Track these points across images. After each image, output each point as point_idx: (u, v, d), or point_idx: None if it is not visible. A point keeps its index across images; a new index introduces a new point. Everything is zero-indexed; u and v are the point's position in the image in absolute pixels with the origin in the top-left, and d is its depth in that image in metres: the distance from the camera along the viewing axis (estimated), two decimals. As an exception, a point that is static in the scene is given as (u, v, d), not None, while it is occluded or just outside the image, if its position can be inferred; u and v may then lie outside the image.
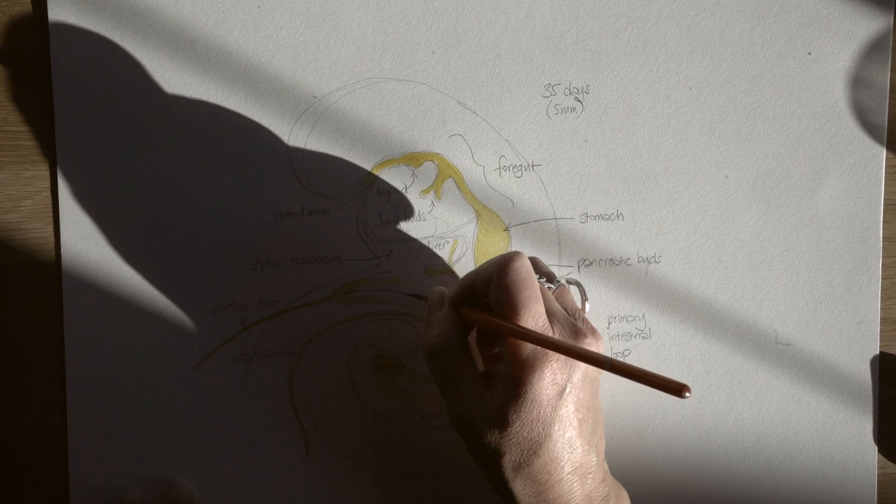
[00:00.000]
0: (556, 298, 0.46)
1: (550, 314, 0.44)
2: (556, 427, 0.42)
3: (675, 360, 0.51)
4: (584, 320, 0.45)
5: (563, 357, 0.42)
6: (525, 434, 0.42)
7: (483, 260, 0.51)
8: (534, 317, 0.42)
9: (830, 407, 0.52)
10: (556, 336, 0.43)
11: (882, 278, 0.51)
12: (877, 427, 0.52)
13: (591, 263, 0.51)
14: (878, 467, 0.52)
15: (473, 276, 0.45)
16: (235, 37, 0.50)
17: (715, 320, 0.51)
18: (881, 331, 0.52)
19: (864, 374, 0.52)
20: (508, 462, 0.42)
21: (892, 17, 0.50)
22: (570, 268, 0.51)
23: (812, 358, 0.52)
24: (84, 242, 0.50)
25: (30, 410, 0.51)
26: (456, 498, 0.52)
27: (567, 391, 0.42)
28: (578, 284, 0.50)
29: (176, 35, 0.50)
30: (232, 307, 0.51)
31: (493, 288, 0.43)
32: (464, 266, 0.51)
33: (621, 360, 0.40)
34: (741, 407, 0.52)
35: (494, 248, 0.51)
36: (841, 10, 0.51)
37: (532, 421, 0.42)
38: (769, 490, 0.52)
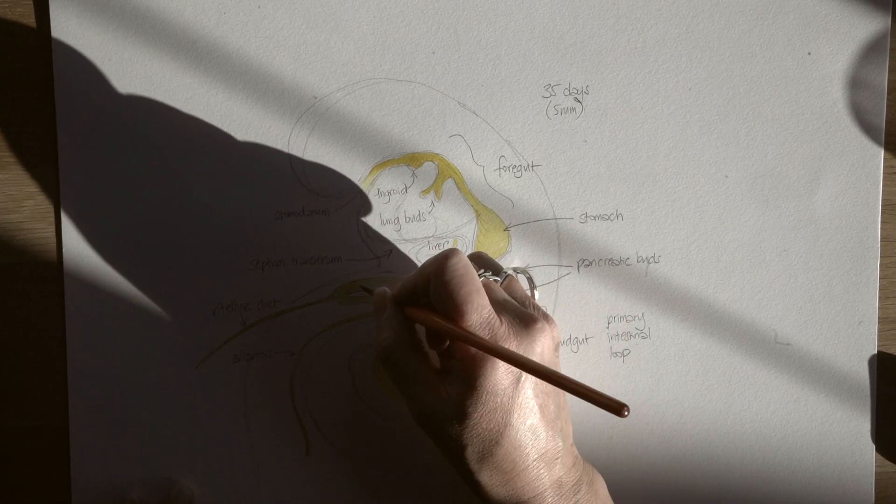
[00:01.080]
0: (506, 289, 0.46)
1: (497, 305, 0.43)
2: (516, 415, 0.42)
3: (675, 360, 0.52)
4: (535, 306, 0.45)
5: (515, 345, 0.42)
6: (484, 425, 0.42)
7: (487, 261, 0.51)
8: (477, 310, 0.42)
9: (829, 406, 0.52)
10: (505, 325, 0.42)
11: (880, 278, 0.52)
12: (874, 426, 0.52)
13: (591, 263, 0.51)
14: (876, 466, 0.52)
15: (414, 278, 0.45)
16: (236, 37, 0.50)
17: (714, 320, 0.52)
18: (879, 330, 0.52)
19: (863, 373, 0.52)
20: (472, 454, 0.43)
21: (890, 19, 0.51)
22: (570, 268, 0.51)
23: (810, 357, 0.52)
24: (85, 243, 0.50)
25: (31, 410, 0.51)
26: (456, 497, 0.52)
27: (523, 378, 0.42)
28: (525, 272, 0.50)
29: (177, 35, 0.50)
30: (232, 307, 0.51)
31: (432, 288, 0.43)
32: (464, 266, 0.51)
33: (568, 374, 0.40)
34: (740, 406, 0.52)
35: (494, 248, 0.51)
36: (839, 11, 0.51)
37: (490, 411, 0.42)
38: (767, 489, 0.52)
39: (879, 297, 0.52)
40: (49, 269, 0.51)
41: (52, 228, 0.51)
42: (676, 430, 0.52)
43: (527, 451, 0.43)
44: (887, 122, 0.51)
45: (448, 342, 0.47)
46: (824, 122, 0.51)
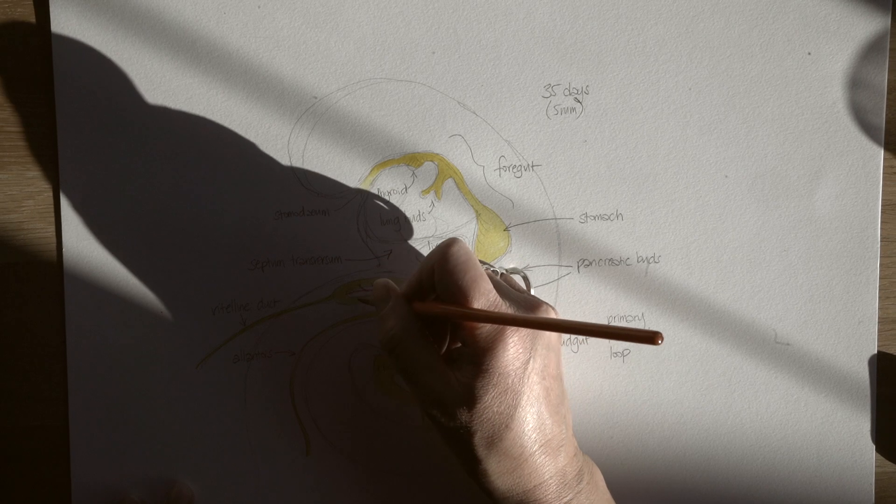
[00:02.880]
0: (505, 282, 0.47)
1: (500, 291, 0.44)
2: (525, 398, 0.42)
3: (675, 360, 0.52)
4: (533, 296, 0.45)
5: (521, 330, 0.42)
6: (495, 408, 0.42)
7: (483, 259, 0.51)
8: (484, 294, 0.42)
9: (829, 406, 0.52)
10: (511, 311, 0.43)
11: (880, 278, 0.52)
12: (874, 426, 0.52)
13: (591, 263, 0.51)
14: (876, 466, 0.52)
15: (418, 272, 0.45)
16: (236, 37, 0.50)
17: (714, 320, 0.52)
18: (879, 330, 0.52)
19: (863, 373, 0.52)
20: (480, 440, 0.42)
21: (890, 18, 0.51)
22: (570, 268, 0.51)
23: (810, 357, 0.52)
24: (85, 242, 0.50)
25: (30, 410, 0.51)
26: (456, 497, 0.52)
27: (531, 361, 0.42)
28: (520, 272, 0.50)
29: (177, 36, 0.50)
30: (232, 307, 0.51)
31: (437, 277, 0.43)
32: (464, 266, 0.51)
33: (588, 321, 0.40)
34: (740, 406, 0.52)
35: (494, 248, 0.51)
36: (839, 12, 0.51)
37: (500, 394, 0.42)
38: (767, 489, 0.52)
39: (879, 297, 0.52)
40: (49, 269, 0.51)
41: (52, 228, 0.51)
42: (676, 430, 0.52)
43: (534, 436, 0.43)
44: (887, 122, 0.51)
45: (447, 342, 0.47)
46: (824, 122, 0.51)
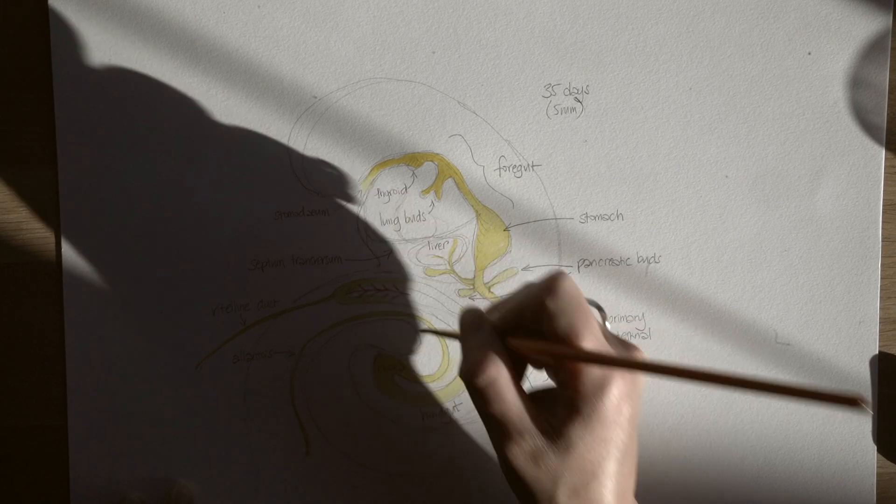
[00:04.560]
0: None
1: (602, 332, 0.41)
2: (615, 447, 0.39)
3: (675, 360, 0.52)
4: (621, 337, 0.43)
5: (626, 377, 0.39)
6: (587, 456, 0.39)
7: (482, 260, 0.51)
8: (594, 334, 0.39)
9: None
10: (615, 353, 0.40)
11: (881, 278, 0.52)
12: (876, 426, 0.52)
13: (591, 263, 0.51)
14: (878, 467, 0.52)
15: (518, 304, 0.41)
16: (236, 37, 0.50)
17: (714, 320, 0.51)
18: (880, 330, 0.52)
19: (864, 373, 0.52)
20: (565, 487, 0.39)
21: (891, 18, 0.51)
22: (570, 268, 0.51)
23: (811, 358, 0.52)
24: (85, 243, 0.50)
25: (30, 410, 0.51)
26: (456, 498, 0.52)
27: (628, 409, 0.40)
28: (596, 304, 0.49)
29: (176, 35, 0.50)
30: (232, 307, 0.51)
31: (549, 314, 0.40)
32: (464, 266, 0.51)
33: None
34: (740, 406, 0.52)
35: (494, 248, 0.51)
36: (840, 11, 0.51)
37: (595, 441, 0.39)
38: (768, 489, 0.52)
39: (880, 298, 0.52)
40: (48, 269, 0.51)
41: (52, 229, 0.51)
42: (677, 430, 0.52)
43: (612, 486, 0.40)
44: (888, 122, 0.51)
45: (524, 377, 0.43)
46: (825, 122, 0.51)
